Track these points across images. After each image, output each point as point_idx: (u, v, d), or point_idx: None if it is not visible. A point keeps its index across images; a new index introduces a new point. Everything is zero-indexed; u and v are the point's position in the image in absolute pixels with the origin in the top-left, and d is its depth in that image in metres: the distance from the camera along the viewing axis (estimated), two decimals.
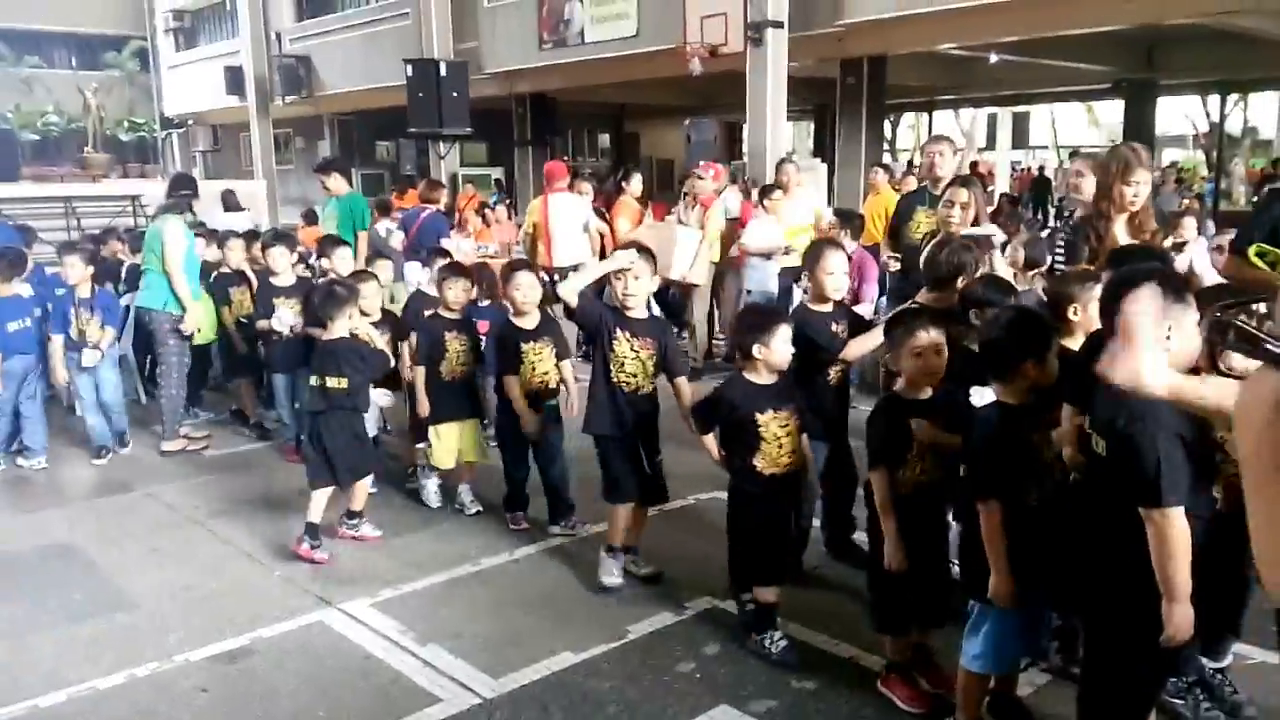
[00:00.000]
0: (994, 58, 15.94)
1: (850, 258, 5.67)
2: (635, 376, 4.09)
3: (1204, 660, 3.16)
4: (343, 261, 6.28)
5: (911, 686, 3.28)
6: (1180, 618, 2.34)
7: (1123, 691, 2.54)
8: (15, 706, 3.44)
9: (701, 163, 9.37)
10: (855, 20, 12.04)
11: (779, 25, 11.68)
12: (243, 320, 6.59)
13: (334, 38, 20.16)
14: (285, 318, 5.94)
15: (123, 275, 7.86)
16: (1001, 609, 2.85)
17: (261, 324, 6.17)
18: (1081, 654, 2.88)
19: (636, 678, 3.54)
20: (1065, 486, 2.87)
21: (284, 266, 6.29)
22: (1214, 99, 21.46)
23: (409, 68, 14.58)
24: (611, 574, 4.18)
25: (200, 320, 6.54)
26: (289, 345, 5.95)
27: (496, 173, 19.40)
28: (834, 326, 4.16)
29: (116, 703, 3.47)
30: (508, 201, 16.93)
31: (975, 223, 4.96)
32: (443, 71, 14.55)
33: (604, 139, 25.87)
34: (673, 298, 8.33)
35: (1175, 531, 2.31)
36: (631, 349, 4.08)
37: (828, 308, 4.20)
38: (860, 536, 4.03)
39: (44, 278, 7.16)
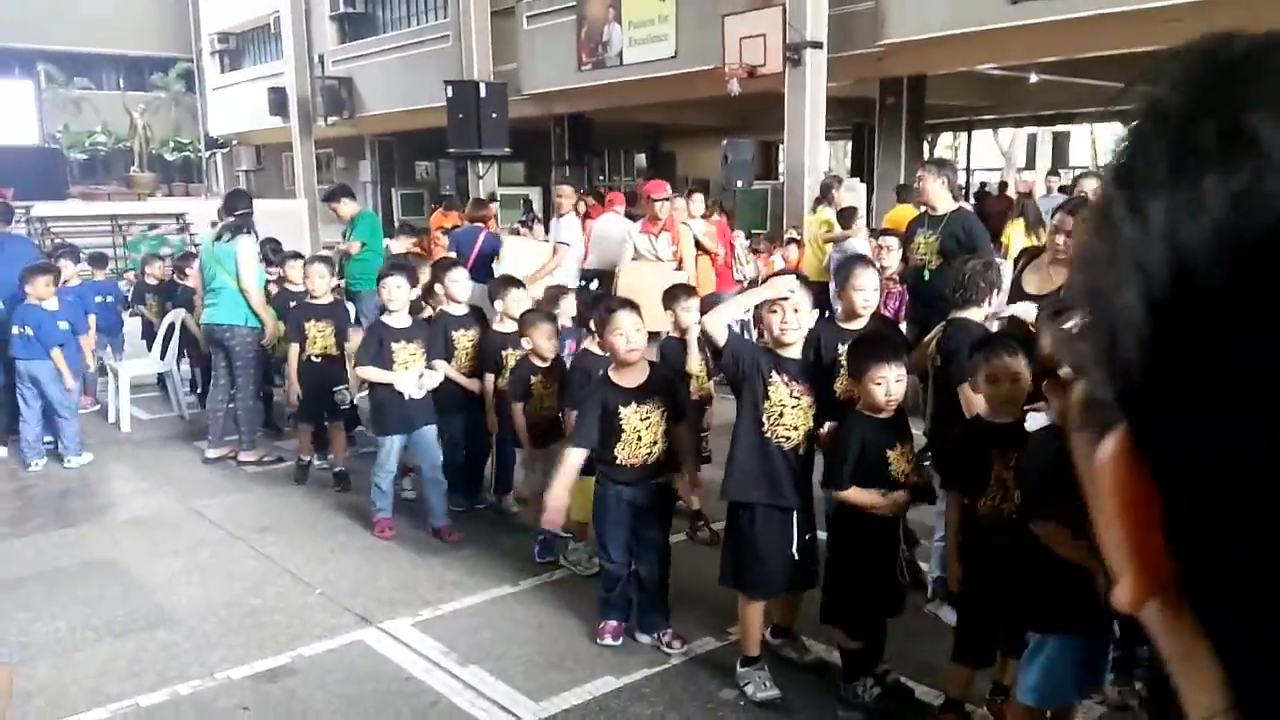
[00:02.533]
0: (1034, 77, 15.82)
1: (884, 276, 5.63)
2: (795, 430, 3.42)
3: None
4: (516, 303, 5.27)
5: None
6: None
7: None
8: None
9: (652, 183, 8.85)
10: (895, 40, 11.98)
11: (818, 46, 11.67)
12: (315, 359, 5.96)
13: (376, 59, 20.40)
14: (413, 381, 4.99)
15: (173, 295, 7.98)
16: (1061, 640, 2.79)
17: (373, 375, 5.06)
18: (1144, 686, 2.81)
19: (679, 704, 3.49)
20: None
21: (324, 288, 6.14)
22: None
23: (449, 89, 14.73)
24: (764, 687, 3.48)
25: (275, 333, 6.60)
26: (408, 405, 5.04)
27: (534, 192, 19.50)
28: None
29: None
30: (538, 219, 16.99)
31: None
32: (482, 93, 14.70)
33: (640, 159, 25.93)
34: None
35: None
36: (791, 395, 3.41)
37: (856, 325, 4.11)
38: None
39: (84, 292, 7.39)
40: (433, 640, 3.99)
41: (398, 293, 5.10)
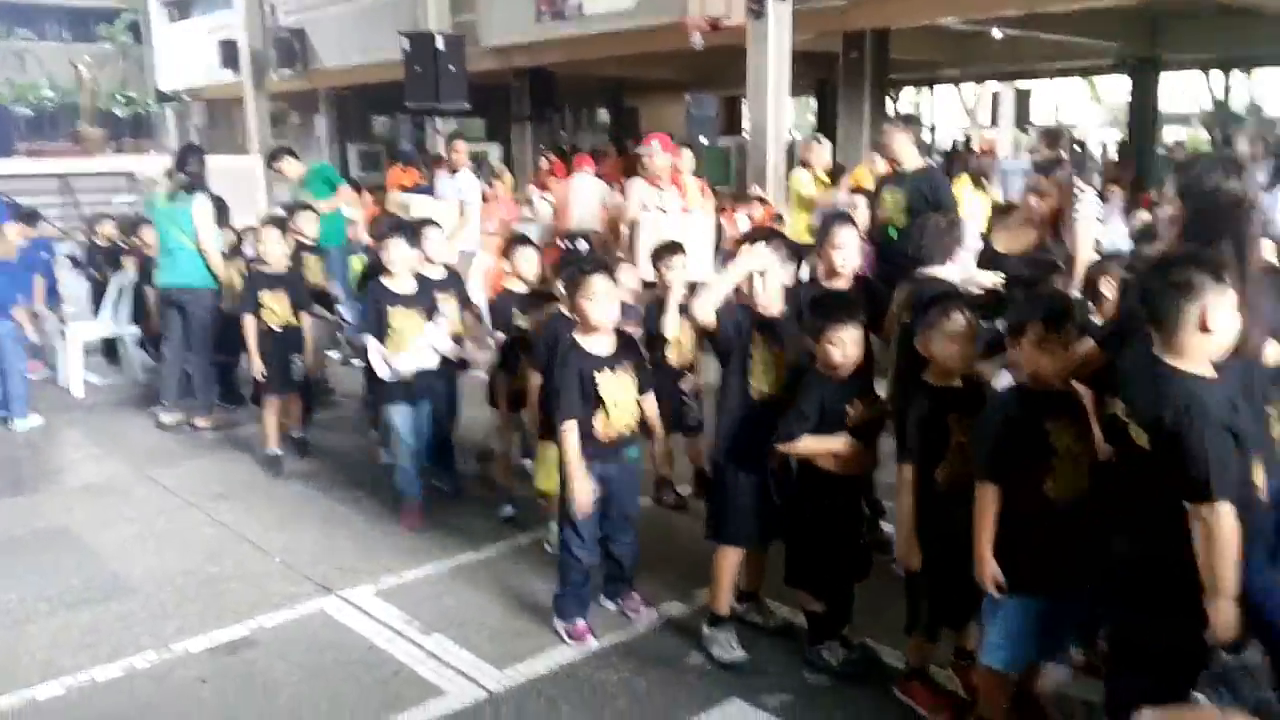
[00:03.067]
0: (997, 32, 15.76)
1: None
2: (768, 386, 3.45)
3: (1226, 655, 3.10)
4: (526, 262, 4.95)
5: (933, 692, 3.21)
6: (1227, 615, 2.28)
7: (1154, 687, 2.47)
8: (11, 697, 3.37)
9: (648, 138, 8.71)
10: None
11: None
12: (276, 330, 5.64)
13: (329, 10, 19.88)
14: (436, 335, 4.78)
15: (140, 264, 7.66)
16: (1017, 599, 2.79)
17: (378, 351, 4.73)
18: (1106, 648, 2.82)
19: (645, 669, 3.48)
20: (1096, 476, 2.78)
21: (277, 254, 5.73)
22: (1218, 76, 21.28)
23: (405, 41, 14.36)
24: (730, 648, 3.50)
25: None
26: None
27: (494, 149, 19.20)
28: None
29: (115, 695, 3.40)
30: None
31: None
32: (440, 45, 14.32)
33: (603, 114, 25.63)
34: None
35: (1225, 528, 2.25)
36: (770, 352, 3.43)
37: (840, 284, 4.06)
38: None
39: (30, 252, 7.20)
40: (395, 609, 3.93)
41: (397, 254, 4.81)
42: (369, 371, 5.05)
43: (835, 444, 3.26)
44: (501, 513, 4.78)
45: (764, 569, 3.73)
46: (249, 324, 5.57)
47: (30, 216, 8.42)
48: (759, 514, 3.47)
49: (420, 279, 4.93)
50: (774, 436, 3.31)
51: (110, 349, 8.16)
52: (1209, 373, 2.38)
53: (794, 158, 13.90)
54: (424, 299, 4.85)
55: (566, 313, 3.88)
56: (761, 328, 3.43)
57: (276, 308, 5.63)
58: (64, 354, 7.52)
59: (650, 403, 3.73)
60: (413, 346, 4.72)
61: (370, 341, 4.75)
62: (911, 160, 5.54)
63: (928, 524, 3.05)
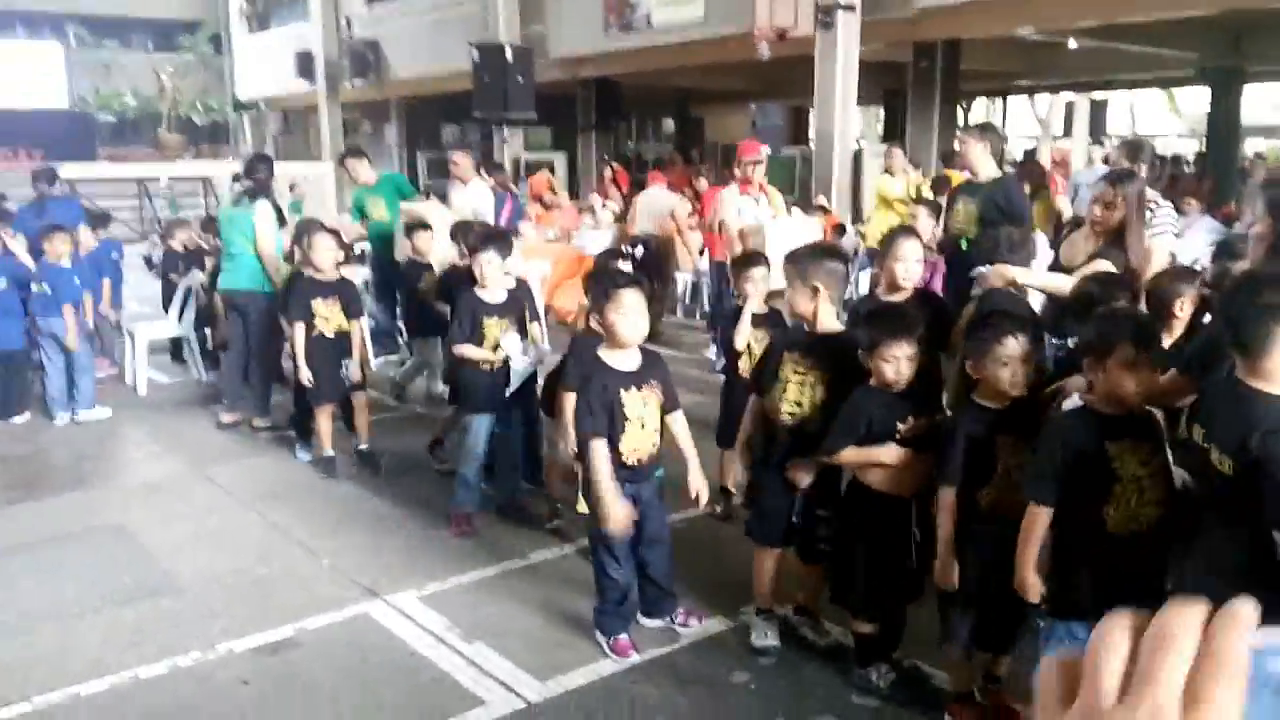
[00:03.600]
0: (1073, 43, 15.38)
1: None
2: (799, 406, 3.39)
3: None
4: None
5: (981, 714, 3.09)
6: None
7: None
8: (58, 693, 3.40)
9: (746, 143, 8.56)
10: (929, 4, 11.67)
11: (850, 8, 11.36)
12: (326, 336, 5.56)
13: (402, 22, 20.20)
14: (517, 348, 4.70)
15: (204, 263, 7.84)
16: (1073, 627, 2.66)
17: (472, 352, 4.70)
18: None
19: (687, 686, 3.39)
20: (1172, 504, 2.63)
21: (329, 262, 5.62)
22: None
23: (475, 52, 14.53)
24: (764, 635, 3.57)
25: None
26: (496, 378, 4.75)
27: (559, 157, 19.29)
28: None
29: (158, 694, 3.42)
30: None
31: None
32: (509, 56, 14.48)
33: (668, 124, 25.64)
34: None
35: None
36: (795, 371, 3.40)
37: (900, 297, 3.96)
38: None
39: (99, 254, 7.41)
40: (438, 615, 3.90)
41: (490, 268, 4.75)
42: (453, 379, 5.08)
43: (880, 454, 3.15)
44: (549, 524, 4.72)
45: (819, 588, 3.63)
46: (299, 332, 5.52)
47: (101, 219, 8.66)
48: (790, 522, 3.50)
49: (508, 290, 4.90)
50: (809, 454, 3.25)
51: (177, 349, 8.33)
52: None
53: (860, 167, 13.74)
54: (514, 308, 4.84)
55: (595, 326, 3.73)
56: (793, 347, 3.42)
57: (329, 315, 5.59)
58: (130, 353, 7.69)
59: (679, 421, 3.63)
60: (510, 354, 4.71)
61: (464, 349, 4.71)
62: (987, 170, 5.38)
63: (967, 547, 2.95)
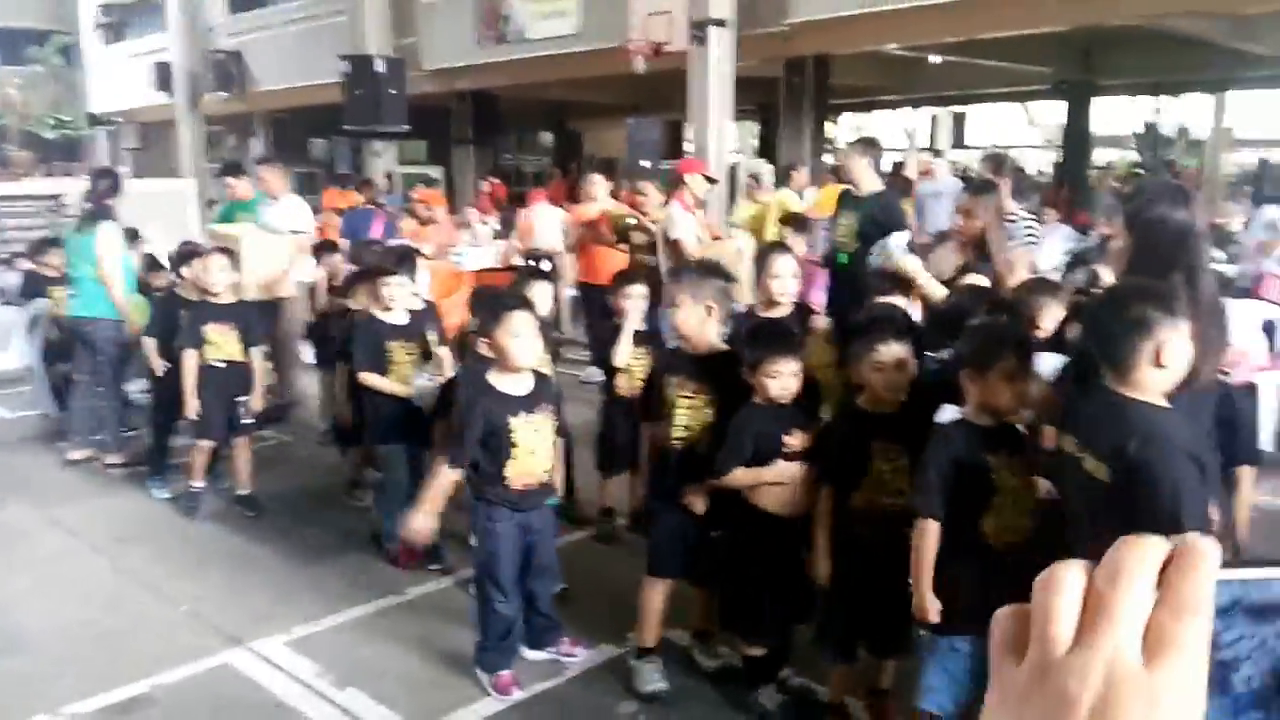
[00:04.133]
0: (935, 58, 15.95)
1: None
2: (687, 430, 3.30)
3: None
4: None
5: None
6: None
7: None
8: None
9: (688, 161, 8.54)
10: (800, 20, 11.89)
11: (723, 24, 11.50)
12: (217, 364, 5.11)
13: (267, 33, 19.57)
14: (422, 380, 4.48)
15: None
16: (955, 640, 2.67)
17: (379, 383, 4.45)
18: None
19: None
20: (1046, 515, 2.66)
21: (223, 284, 5.13)
22: (1148, 100, 21.75)
23: (345, 64, 14.17)
24: (651, 679, 3.40)
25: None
26: (409, 405, 4.48)
27: (435, 171, 18.94)
28: None
29: None
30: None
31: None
32: (380, 68, 14.18)
33: (546, 137, 25.53)
34: None
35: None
36: (683, 394, 3.30)
37: (779, 313, 3.96)
38: None
39: None
40: (308, 660, 3.68)
41: (399, 291, 4.56)
42: (361, 407, 4.74)
43: (768, 473, 3.11)
44: (430, 565, 4.45)
45: (713, 605, 3.54)
46: (188, 360, 5.03)
47: None
48: (687, 550, 3.36)
49: (411, 312, 4.67)
50: (696, 477, 3.20)
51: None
52: (1164, 404, 2.28)
53: (735, 181, 13.90)
54: (418, 330, 4.63)
55: (484, 350, 3.59)
56: (676, 369, 3.31)
57: (222, 342, 5.12)
58: None
59: (558, 448, 3.56)
60: (414, 378, 4.49)
61: (369, 378, 4.46)
62: (870, 184, 5.42)
63: (841, 546, 2.98)
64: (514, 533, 3.35)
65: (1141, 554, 0.43)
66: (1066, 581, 0.44)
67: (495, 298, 3.82)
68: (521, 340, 3.30)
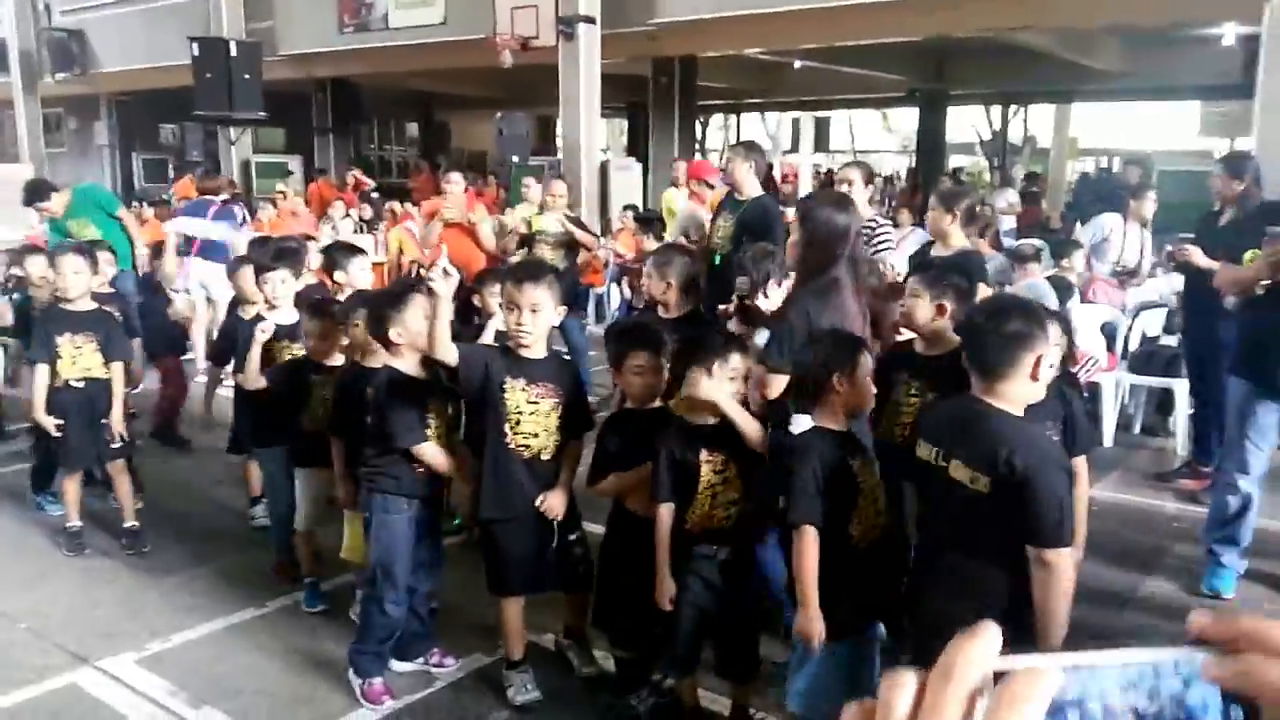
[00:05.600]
0: (797, 64, 16.38)
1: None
2: (535, 436, 3.20)
3: None
4: (361, 273, 4.74)
5: None
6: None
7: None
8: None
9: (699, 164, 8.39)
10: (666, 20, 11.99)
11: (591, 21, 11.50)
12: (74, 384, 4.52)
13: (111, 11, 18.49)
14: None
15: None
16: (827, 645, 2.73)
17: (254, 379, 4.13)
18: None
19: None
20: (898, 516, 2.77)
21: (80, 288, 4.50)
22: (997, 109, 22.88)
23: (195, 46, 13.56)
24: (524, 690, 3.33)
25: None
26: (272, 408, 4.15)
27: (294, 161, 18.29)
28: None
29: None
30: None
31: None
32: (233, 52, 13.62)
33: (412, 128, 25.00)
34: None
35: (1068, 572, 2.30)
36: (529, 400, 3.16)
37: (672, 314, 3.96)
38: None
39: None
40: (160, 679, 3.50)
41: (282, 288, 4.28)
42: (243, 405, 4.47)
43: (633, 477, 3.11)
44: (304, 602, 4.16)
45: (584, 610, 3.51)
46: (39, 376, 4.45)
47: None
48: (532, 563, 3.27)
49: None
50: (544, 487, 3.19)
51: None
52: (1021, 414, 2.41)
53: (606, 177, 13.94)
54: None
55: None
56: (516, 372, 3.16)
57: (76, 356, 4.52)
58: None
59: (455, 437, 3.50)
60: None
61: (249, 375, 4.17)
62: (751, 188, 5.48)
63: (681, 570, 2.96)
64: (409, 529, 3.30)
65: (969, 657, 0.46)
66: (906, 680, 0.47)
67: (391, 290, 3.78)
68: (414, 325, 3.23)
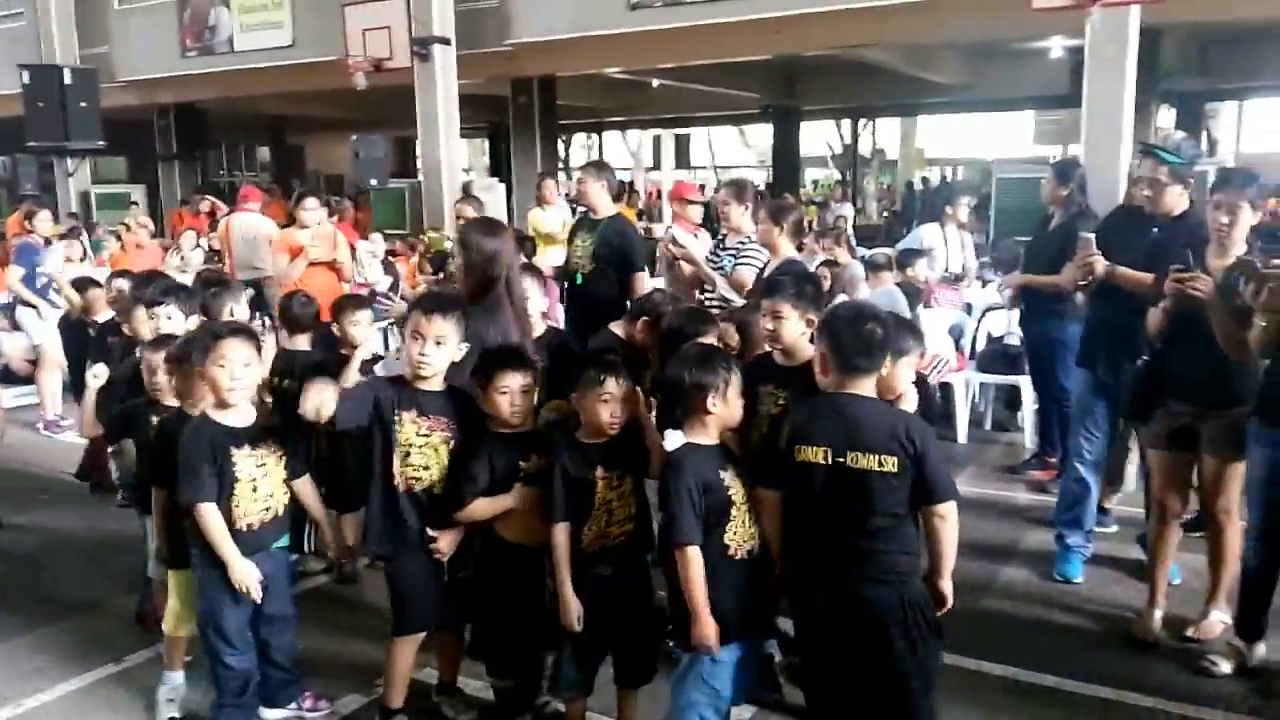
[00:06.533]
0: (655, 82, 16.66)
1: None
2: (426, 470, 3.13)
3: None
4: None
5: None
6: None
7: None
8: None
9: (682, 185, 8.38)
10: (521, 41, 12.05)
11: (445, 42, 11.46)
12: None
13: None
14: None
15: None
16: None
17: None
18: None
19: None
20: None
21: None
22: (846, 124, 23.75)
23: (24, 74, 12.89)
24: None
25: None
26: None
27: (137, 190, 17.50)
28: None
29: None
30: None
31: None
32: (67, 79, 13.01)
33: (264, 152, 24.30)
34: None
35: (955, 517, 2.66)
36: (419, 433, 3.11)
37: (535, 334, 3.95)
38: None
39: None
40: None
41: (168, 325, 4.07)
42: None
43: (507, 500, 3.09)
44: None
45: (460, 656, 3.44)
46: None
47: None
48: (436, 595, 3.21)
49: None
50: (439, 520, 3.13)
51: None
52: None
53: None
54: None
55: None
56: (408, 404, 3.10)
57: None
58: None
59: (305, 487, 3.34)
60: None
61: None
62: (605, 207, 5.55)
63: (580, 583, 2.97)
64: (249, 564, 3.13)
65: None
66: None
67: (203, 327, 3.61)
68: (229, 371, 3.09)
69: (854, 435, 2.61)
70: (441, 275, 7.08)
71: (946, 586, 2.70)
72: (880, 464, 2.57)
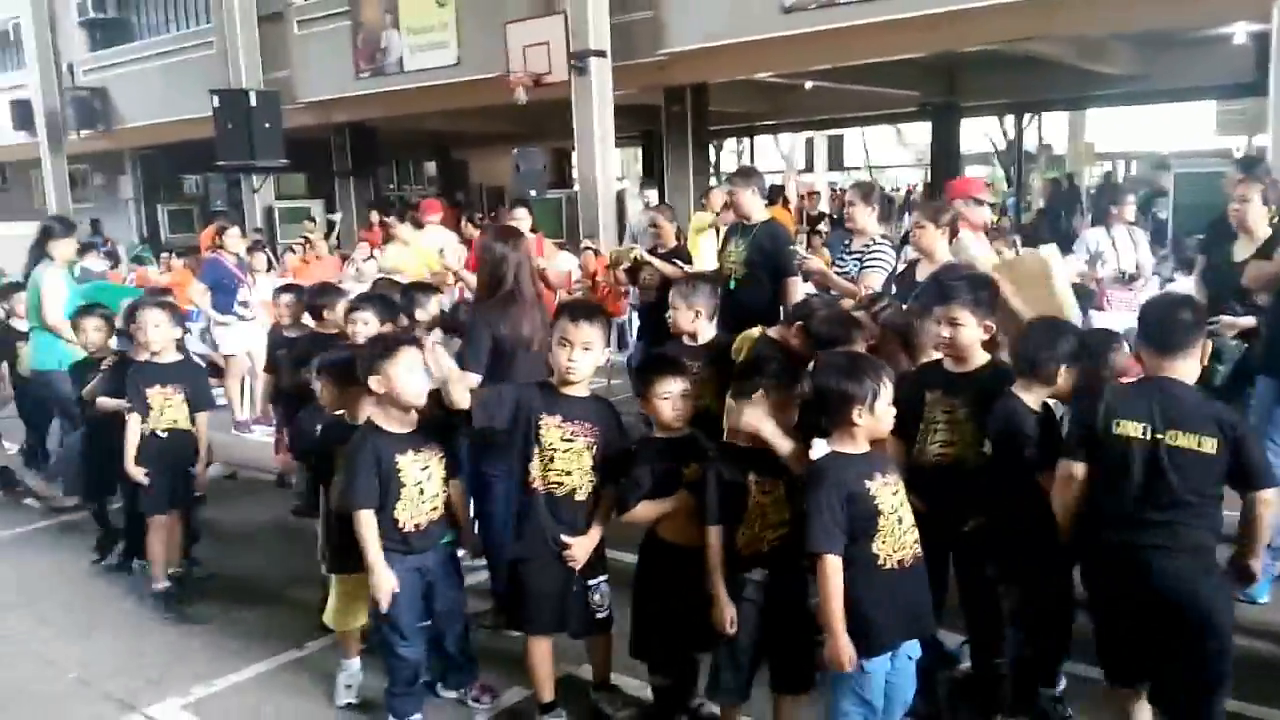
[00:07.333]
0: (808, 84, 16.48)
1: None
2: (568, 475, 3.20)
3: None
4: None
5: None
6: None
7: None
8: None
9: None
10: (675, 50, 12.15)
11: (602, 54, 11.67)
12: (160, 434, 4.50)
13: (132, 68, 18.96)
14: None
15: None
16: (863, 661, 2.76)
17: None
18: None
19: None
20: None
21: (164, 341, 4.56)
22: (1010, 119, 22.84)
23: (215, 99, 13.87)
24: None
25: None
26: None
27: (316, 205, 18.56)
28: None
29: None
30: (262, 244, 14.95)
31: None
32: (253, 101, 13.92)
33: (430, 167, 25.32)
34: None
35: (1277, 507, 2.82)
36: (564, 438, 3.17)
37: (690, 343, 4.06)
38: None
39: None
40: None
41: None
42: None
43: (669, 504, 3.16)
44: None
45: (609, 655, 3.52)
46: (132, 425, 4.43)
47: None
48: (561, 600, 3.26)
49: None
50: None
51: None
52: None
53: (623, 207, 14.07)
54: (185, 374, 4.70)
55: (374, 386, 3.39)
56: (553, 407, 3.18)
57: (166, 408, 4.53)
58: None
59: (455, 489, 3.48)
60: None
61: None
62: (758, 213, 5.55)
63: (736, 588, 2.99)
64: (409, 581, 3.27)
65: None
66: None
67: (381, 336, 3.84)
68: (406, 374, 3.24)
69: (1174, 414, 2.74)
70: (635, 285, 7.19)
71: (1257, 566, 2.84)
72: (1200, 444, 2.70)
